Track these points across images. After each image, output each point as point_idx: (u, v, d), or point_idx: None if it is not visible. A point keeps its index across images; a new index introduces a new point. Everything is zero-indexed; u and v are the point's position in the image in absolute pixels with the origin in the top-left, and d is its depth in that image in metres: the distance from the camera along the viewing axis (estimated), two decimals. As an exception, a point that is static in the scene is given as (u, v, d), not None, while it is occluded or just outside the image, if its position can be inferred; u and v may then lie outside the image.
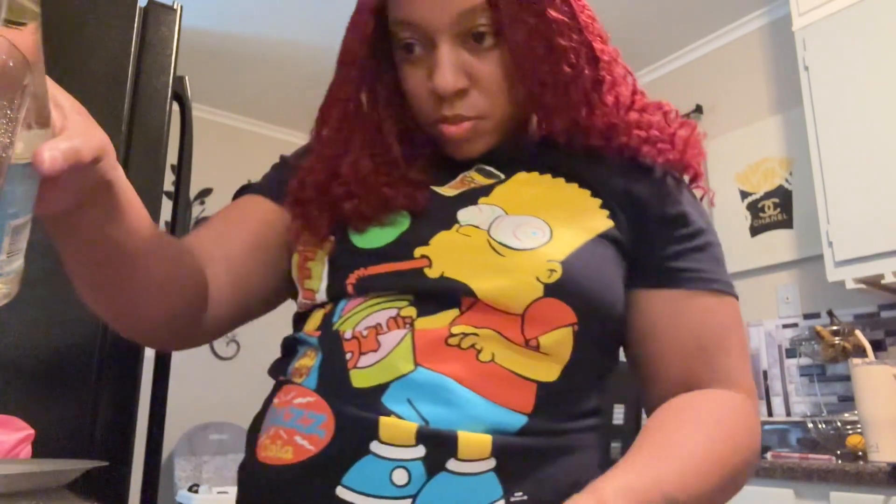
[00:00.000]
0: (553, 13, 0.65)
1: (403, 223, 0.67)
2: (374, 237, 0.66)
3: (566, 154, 0.71)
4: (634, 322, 0.69)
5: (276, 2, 2.77)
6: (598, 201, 0.68)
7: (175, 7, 1.26)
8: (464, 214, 0.66)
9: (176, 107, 1.25)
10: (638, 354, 0.70)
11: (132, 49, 1.18)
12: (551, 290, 0.60)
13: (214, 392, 3.40)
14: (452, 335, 0.59)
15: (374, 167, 0.70)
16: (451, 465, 0.55)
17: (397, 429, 0.56)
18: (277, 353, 0.73)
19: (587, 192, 0.69)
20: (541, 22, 0.65)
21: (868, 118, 2.05)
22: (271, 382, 0.72)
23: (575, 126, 0.70)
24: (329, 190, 0.70)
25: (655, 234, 0.68)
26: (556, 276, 0.60)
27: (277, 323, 1.08)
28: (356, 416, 0.57)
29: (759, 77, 2.77)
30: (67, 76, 1.11)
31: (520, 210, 0.65)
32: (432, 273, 0.62)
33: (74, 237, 0.53)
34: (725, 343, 0.68)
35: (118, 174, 0.51)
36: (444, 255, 0.62)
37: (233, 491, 2.75)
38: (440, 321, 0.60)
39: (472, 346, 0.59)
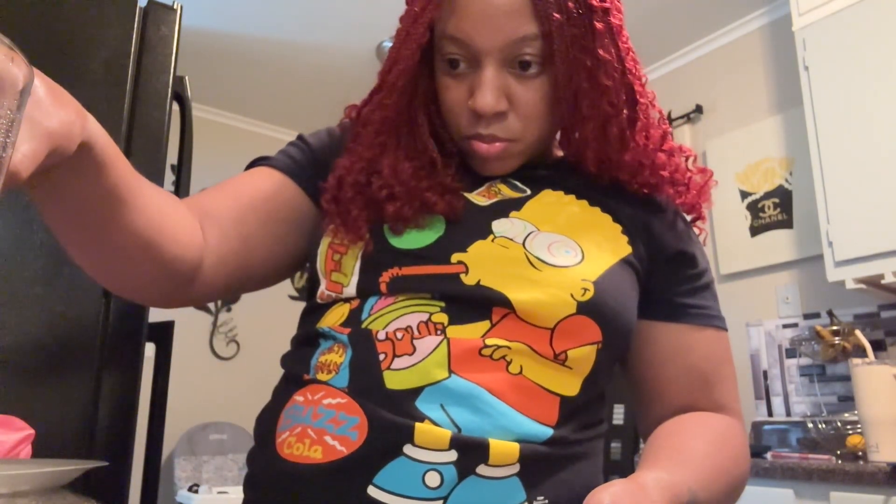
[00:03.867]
0: (602, 53, 0.67)
1: (440, 228, 0.68)
2: (412, 239, 0.67)
3: (588, 179, 0.75)
4: (643, 350, 0.74)
5: (276, 2, 2.77)
6: (619, 227, 0.72)
7: (175, 7, 1.26)
8: (498, 226, 0.68)
9: (176, 107, 1.25)
10: (642, 379, 0.75)
11: (132, 49, 1.18)
12: (583, 308, 0.63)
13: (214, 392, 3.40)
14: (486, 346, 0.61)
15: (413, 171, 0.71)
16: (481, 469, 0.58)
17: (432, 435, 0.57)
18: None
19: (609, 217, 0.72)
20: (589, 59, 0.67)
21: (868, 118, 2.05)
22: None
23: (606, 160, 0.73)
24: (368, 190, 0.70)
25: (668, 271, 0.73)
26: (589, 294, 0.63)
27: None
28: (391, 421, 0.58)
29: (759, 77, 2.77)
30: (67, 76, 1.11)
31: (551, 228, 0.68)
32: (468, 280, 0.63)
33: (47, 194, 0.52)
34: (722, 373, 0.74)
35: (90, 135, 0.47)
36: (481, 264, 0.64)
37: (233, 491, 2.75)
38: (473, 332, 0.62)
39: (503, 357, 0.61)
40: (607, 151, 0.72)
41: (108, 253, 0.59)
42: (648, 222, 0.74)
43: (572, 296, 0.63)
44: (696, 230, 0.79)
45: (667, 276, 0.73)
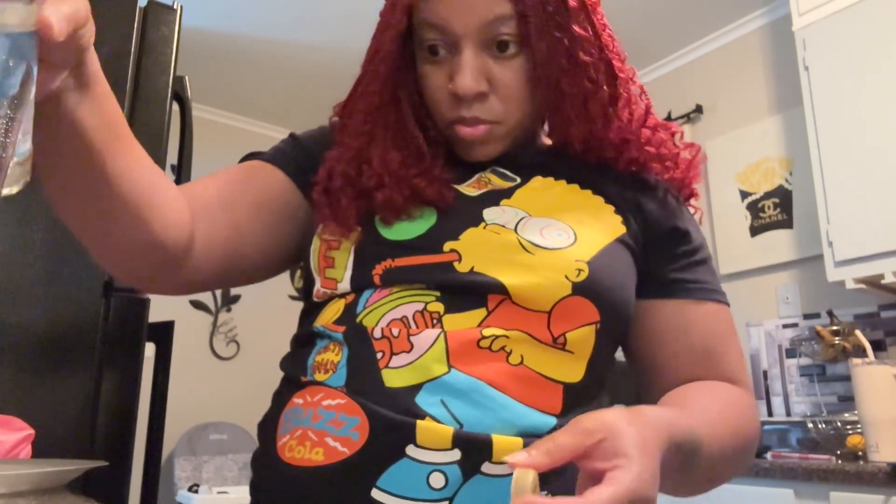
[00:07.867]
0: (577, 29, 0.68)
1: (431, 218, 0.68)
2: (403, 230, 0.67)
3: (577, 163, 0.74)
4: (643, 328, 0.73)
5: (276, 2, 2.77)
6: (612, 207, 0.72)
7: (175, 7, 1.26)
8: (489, 213, 0.68)
9: (176, 107, 1.26)
10: (644, 357, 0.74)
11: (132, 49, 1.18)
12: (579, 289, 0.63)
13: (214, 392, 3.40)
14: (484, 337, 0.60)
15: (401, 159, 0.71)
16: (485, 467, 0.57)
17: (434, 433, 0.57)
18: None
19: (601, 199, 0.72)
20: (566, 36, 0.67)
21: (868, 118, 2.05)
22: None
23: (590, 138, 0.73)
24: (358, 181, 0.70)
25: (662, 248, 0.73)
26: (584, 275, 0.63)
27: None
28: (392, 420, 0.58)
29: (759, 77, 2.77)
30: (67, 76, 1.11)
31: (542, 213, 0.68)
32: (462, 267, 0.63)
33: (51, 128, 0.49)
34: (726, 347, 0.73)
35: (91, 50, 0.47)
36: (474, 251, 0.64)
37: (233, 491, 2.75)
38: (469, 321, 0.61)
39: (503, 348, 0.61)
40: (591, 129, 0.72)
41: (98, 211, 0.56)
42: (640, 201, 0.73)
43: (567, 277, 0.62)
44: (690, 209, 0.79)
45: (662, 254, 0.73)
